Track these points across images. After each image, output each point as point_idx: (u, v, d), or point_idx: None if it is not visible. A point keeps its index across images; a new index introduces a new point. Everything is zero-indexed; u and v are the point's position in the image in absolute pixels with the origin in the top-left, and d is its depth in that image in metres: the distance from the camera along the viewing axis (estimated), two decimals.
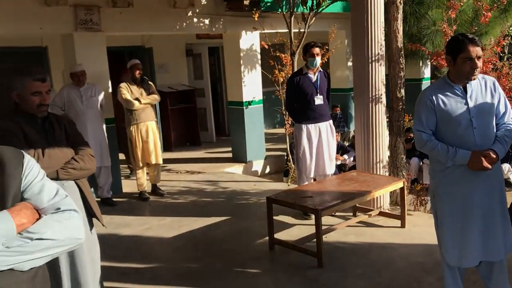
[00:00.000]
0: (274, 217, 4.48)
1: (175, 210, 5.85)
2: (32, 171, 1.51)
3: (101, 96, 6.12)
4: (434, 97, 2.85)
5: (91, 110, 5.99)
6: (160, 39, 9.18)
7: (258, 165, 8.29)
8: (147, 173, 6.50)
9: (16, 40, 7.16)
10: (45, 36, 7.67)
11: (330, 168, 5.31)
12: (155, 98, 6.26)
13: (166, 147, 9.21)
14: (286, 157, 7.89)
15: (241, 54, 7.88)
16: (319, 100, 5.10)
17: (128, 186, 6.94)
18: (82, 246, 2.62)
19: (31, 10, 5.68)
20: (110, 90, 6.58)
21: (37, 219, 1.42)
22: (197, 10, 7.16)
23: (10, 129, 2.55)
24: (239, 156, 8.28)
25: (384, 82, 5.09)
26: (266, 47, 7.19)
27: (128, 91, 6.05)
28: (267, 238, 4.50)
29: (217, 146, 9.77)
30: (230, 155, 8.58)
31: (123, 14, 6.40)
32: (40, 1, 5.73)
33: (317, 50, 5.06)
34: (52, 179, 1.72)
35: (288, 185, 6.70)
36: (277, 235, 4.54)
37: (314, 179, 5.42)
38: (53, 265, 2.56)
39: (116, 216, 5.63)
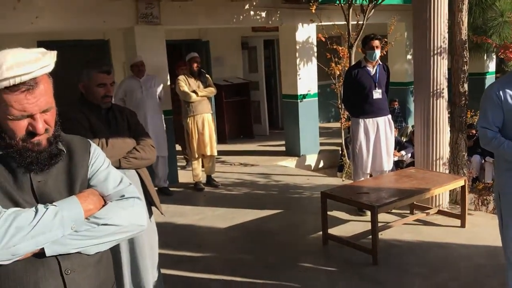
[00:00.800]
0: (328, 212, 4.43)
1: (229, 201, 5.92)
2: (98, 159, 1.56)
3: (160, 88, 6.27)
4: (501, 92, 2.70)
5: (150, 100, 6.15)
6: (216, 32, 9.28)
7: (311, 159, 8.24)
8: (202, 165, 6.61)
9: (81, 34, 7.46)
10: (107, 30, 7.95)
11: (388, 164, 5.19)
12: (212, 91, 6.35)
13: (220, 139, 9.33)
14: (340, 152, 7.79)
15: (297, 47, 7.82)
16: (377, 94, 4.98)
17: (183, 176, 7.10)
18: (142, 233, 2.70)
19: (96, 4, 5.90)
20: (169, 82, 6.73)
21: (103, 206, 1.47)
22: (254, 3, 7.17)
23: (77, 118, 2.66)
24: (292, 150, 8.25)
25: (446, 76, 4.89)
26: (323, 39, 7.09)
27: (186, 84, 6.17)
28: (321, 233, 4.47)
29: (270, 139, 9.79)
30: (283, 148, 8.57)
31: (182, 8, 6.51)
32: None
33: (376, 42, 4.93)
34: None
35: (343, 180, 6.61)
36: (331, 230, 4.49)
37: (370, 175, 5.31)
38: (114, 251, 2.65)
39: (172, 205, 5.77)
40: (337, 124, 8.94)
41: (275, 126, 10.89)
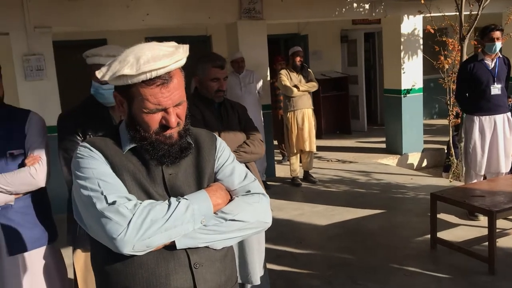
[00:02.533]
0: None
1: (327, 198, 5.81)
2: (224, 153, 1.56)
3: (259, 83, 6.31)
4: None
5: (249, 96, 6.21)
6: (315, 26, 9.16)
7: (414, 158, 7.84)
8: (300, 160, 6.56)
9: (185, 30, 7.74)
10: (210, 25, 8.16)
11: (506, 166, 4.76)
12: (314, 85, 6.26)
13: (316, 134, 9.17)
14: (447, 151, 7.32)
15: (402, 39, 7.46)
16: (496, 89, 4.58)
17: (280, 170, 7.10)
18: None
19: (201, 1, 6.06)
20: (269, 77, 6.75)
21: (229, 201, 1.45)
22: None
23: (191, 111, 2.71)
24: (393, 147, 7.92)
25: None
26: (432, 31, 6.69)
27: (287, 78, 6.14)
28: (427, 236, 4.22)
29: (369, 136, 9.48)
30: (383, 145, 8.26)
31: (284, 2, 6.48)
32: None
33: (497, 34, 4.53)
34: None
35: (450, 182, 6.20)
36: (439, 234, 4.22)
37: (484, 177, 4.91)
38: None
39: (270, 199, 5.77)
40: (442, 121, 8.45)
41: (374, 121, 10.54)
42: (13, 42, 5.28)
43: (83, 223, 1.38)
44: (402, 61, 7.52)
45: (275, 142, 7.70)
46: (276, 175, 6.95)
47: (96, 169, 1.35)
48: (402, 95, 7.60)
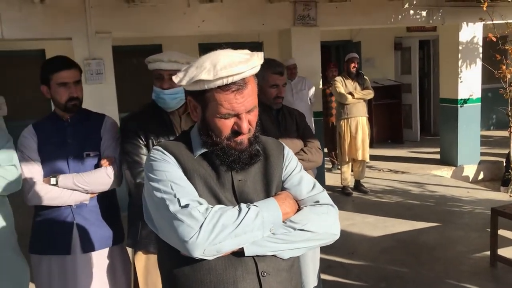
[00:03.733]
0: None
1: (379, 209, 5.68)
2: (292, 162, 1.54)
3: (312, 90, 6.26)
4: None
5: (300, 103, 6.16)
6: (368, 33, 9.02)
7: (470, 170, 7.54)
8: (352, 169, 6.45)
9: (237, 36, 7.82)
10: (262, 32, 8.20)
11: None
12: (369, 93, 6.16)
13: None
14: (506, 164, 6.99)
15: (460, 47, 7.22)
16: None
17: (330, 179, 7.01)
18: None
19: (255, 7, 6.10)
20: (321, 84, 6.70)
21: (297, 210, 1.43)
22: (414, 2, 6.79)
23: None
24: (448, 159, 7.65)
25: None
26: (494, 39, 6.43)
27: (342, 85, 6.07)
28: (486, 252, 4.04)
29: (422, 146, 9.22)
30: (437, 156, 8.00)
31: (338, 9, 6.42)
32: None
33: None
34: None
35: (510, 196, 5.92)
36: (500, 251, 4.02)
37: None
38: None
39: None
40: (500, 132, 8.10)
41: (427, 131, 10.25)
42: (75, 47, 5.50)
43: (153, 225, 1.40)
44: (459, 70, 7.27)
45: (325, 150, 7.62)
46: (326, 183, 6.86)
47: (169, 172, 1.36)
48: (459, 105, 7.34)
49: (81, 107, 2.49)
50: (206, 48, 8.38)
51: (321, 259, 4.13)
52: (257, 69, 1.39)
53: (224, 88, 1.34)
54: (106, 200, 2.51)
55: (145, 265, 2.37)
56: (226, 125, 1.37)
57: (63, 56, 2.52)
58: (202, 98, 1.38)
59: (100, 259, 2.48)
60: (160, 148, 1.43)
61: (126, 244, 2.45)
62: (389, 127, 9.72)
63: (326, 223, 1.43)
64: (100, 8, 5.50)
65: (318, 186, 1.51)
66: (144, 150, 2.30)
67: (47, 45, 7.74)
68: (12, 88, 7.89)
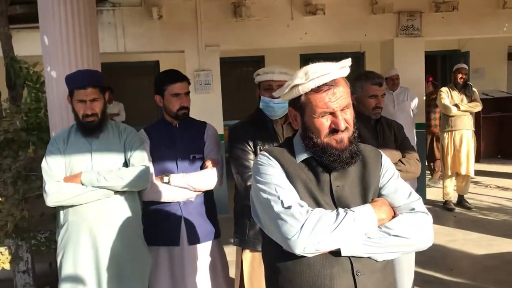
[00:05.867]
0: None
1: (484, 227, 5.41)
2: (389, 170, 1.62)
3: (414, 102, 6.14)
4: None
5: (402, 114, 6.05)
6: (478, 42, 8.59)
7: None
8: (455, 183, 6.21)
9: (339, 47, 7.89)
10: (364, 43, 8.19)
11: None
12: (477, 105, 5.90)
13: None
14: None
15: None
16: None
17: (431, 193, 6.78)
18: None
19: (358, 19, 6.15)
20: (424, 95, 6.55)
21: (393, 217, 1.52)
22: None
23: None
24: None
25: None
26: None
27: (448, 96, 5.88)
28: None
29: None
30: None
31: (445, 19, 6.26)
32: (367, 10, 6.14)
33: None
34: None
35: None
36: None
37: None
38: None
39: None
40: None
41: None
42: (187, 59, 5.97)
43: (260, 222, 1.57)
44: None
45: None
46: (427, 197, 6.65)
47: (274, 176, 1.52)
48: None
49: (188, 115, 2.78)
50: (307, 58, 8.54)
51: (419, 273, 4.09)
52: (346, 70, 1.52)
53: (317, 90, 1.48)
54: (207, 198, 2.78)
55: (251, 262, 2.55)
56: (323, 124, 1.51)
57: (175, 70, 2.84)
58: (299, 104, 1.53)
59: (203, 251, 2.74)
60: (266, 154, 1.60)
61: (233, 243, 2.65)
62: (499, 142, 9.13)
63: (421, 230, 1.50)
64: (210, 23, 5.92)
65: (414, 194, 1.58)
66: (252, 156, 2.49)
67: (161, 57, 8.42)
68: (129, 96, 8.65)
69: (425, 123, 6.79)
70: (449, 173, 6.05)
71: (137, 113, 8.36)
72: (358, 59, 8.63)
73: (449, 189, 6.13)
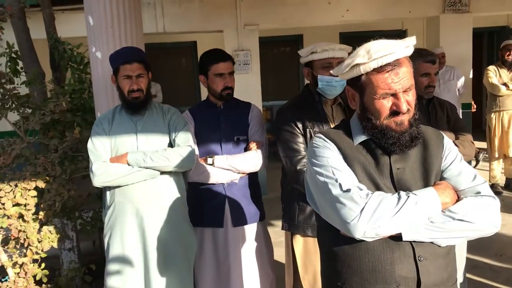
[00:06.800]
0: None
1: None
2: (452, 152, 1.54)
3: (461, 81, 5.90)
4: None
5: (448, 94, 5.83)
6: None
7: None
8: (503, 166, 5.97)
9: (379, 25, 7.64)
10: (406, 19, 7.91)
11: None
12: None
13: None
14: None
15: None
16: None
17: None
18: None
19: None
20: (471, 74, 6.28)
21: (457, 200, 1.44)
22: None
23: None
24: None
25: None
26: None
27: (495, 75, 5.63)
28: None
29: None
30: None
31: None
32: None
33: None
34: None
35: None
36: None
37: None
38: None
39: None
40: None
41: None
42: (226, 39, 5.91)
43: (315, 206, 1.51)
44: None
45: None
46: None
47: (331, 158, 1.46)
48: None
49: (232, 95, 2.71)
50: (347, 37, 8.36)
51: (467, 259, 3.94)
52: (410, 49, 1.43)
53: (379, 69, 1.40)
54: (252, 180, 2.72)
55: (304, 247, 2.49)
56: (384, 105, 1.43)
57: (219, 49, 2.77)
58: (359, 84, 1.46)
59: (248, 233, 2.70)
60: (322, 136, 1.53)
61: (283, 227, 2.59)
62: None
63: (487, 214, 1.42)
64: (249, 2, 5.82)
65: (479, 177, 1.49)
66: (301, 139, 2.41)
67: (199, 38, 8.39)
68: (167, 77, 8.69)
69: (470, 103, 6.53)
70: (496, 155, 5.82)
71: (174, 94, 8.40)
72: (400, 37, 8.29)
73: (496, 172, 5.91)
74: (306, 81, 2.62)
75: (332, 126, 2.39)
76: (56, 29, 3.95)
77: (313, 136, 2.37)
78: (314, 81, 2.46)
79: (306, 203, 2.38)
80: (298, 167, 2.35)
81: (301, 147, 2.39)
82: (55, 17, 4.01)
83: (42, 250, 3.20)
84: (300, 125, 2.42)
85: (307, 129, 2.40)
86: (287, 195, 2.55)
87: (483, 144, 6.21)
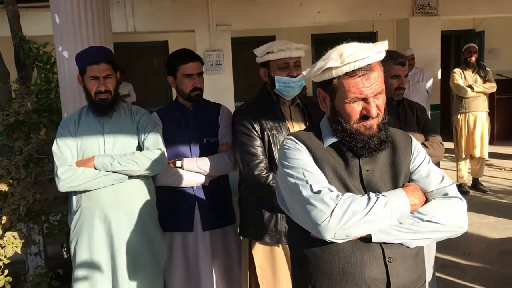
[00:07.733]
0: None
1: (499, 210, 5.32)
2: (420, 154, 1.55)
3: (430, 82, 6.01)
4: None
5: (417, 95, 5.93)
6: (494, 22, 8.40)
7: None
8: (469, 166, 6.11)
9: (350, 26, 7.72)
10: (376, 22, 8.01)
11: None
12: (492, 86, 5.77)
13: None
14: None
15: None
16: None
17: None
18: None
19: None
20: (440, 76, 6.41)
21: (425, 202, 1.45)
22: None
23: None
24: None
25: None
26: None
27: (461, 77, 5.75)
28: None
29: None
30: None
31: None
32: None
33: None
34: None
35: None
36: None
37: None
38: None
39: None
40: None
41: None
42: (198, 39, 5.85)
43: (286, 208, 1.49)
44: None
45: None
46: None
47: (301, 160, 1.45)
48: None
49: (201, 97, 2.66)
50: (318, 38, 8.42)
51: (436, 258, 4.01)
52: (382, 54, 1.44)
53: (351, 74, 1.40)
54: (221, 183, 2.67)
55: (263, 254, 2.45)
56: (355, 109, 1.43)
57: (188, 49, 2.70)
58: (331, 87, 1.45)
59: (218, 237, 2.65)
60: (293, 138, 1.52)
61: (240, 234, 2.55)
62: None
63: (455, 216, 1.43)
64: (221, 2, 5.78)
65: (447, 179, 1.51)
66: (259, 142, 2.35)
67: (170, 37, 8.30)
68: (138, 77, 8.57)
69: (439, 105, 6.66)
70: (463, 156, 5.95)
71: (146, 94, 8.29)
72: (370, 39, 8.44)
73: (463, 172, 6.04)
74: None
75: (290, 128, 2.38)
76: (21, 27, 3.83)
77: (271, 138, 2.34)
78: (271, 82, 2.40)
79: (264, 209, 2.37)
80: (256, 172, 2.30)
81: (259, 150, 2.34)
82: (19, 15, 3.88)
83: (5, 256, 3.09)
84: (257, 127, 2.36)
85: (265, 132, 2.35)
86: (245, 200, 2.51)
87: (450, 145, 6.35)
